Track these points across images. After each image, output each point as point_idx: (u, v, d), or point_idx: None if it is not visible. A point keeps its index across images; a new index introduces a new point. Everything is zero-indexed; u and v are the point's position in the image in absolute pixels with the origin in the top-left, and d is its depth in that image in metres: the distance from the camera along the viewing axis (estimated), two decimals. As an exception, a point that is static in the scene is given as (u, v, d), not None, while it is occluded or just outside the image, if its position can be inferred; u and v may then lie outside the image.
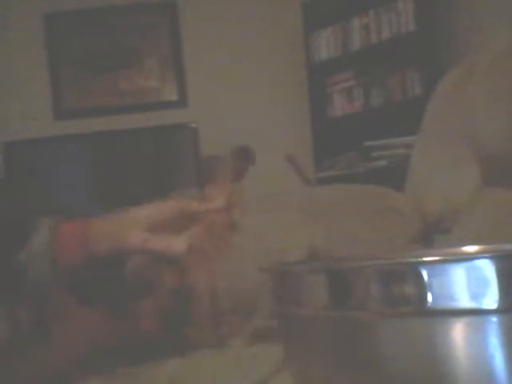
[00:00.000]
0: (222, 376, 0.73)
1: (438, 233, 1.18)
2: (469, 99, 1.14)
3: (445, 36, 3.07)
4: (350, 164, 3.23)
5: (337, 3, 3.34)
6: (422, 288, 0.40)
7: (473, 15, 2.92)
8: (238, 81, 3.60)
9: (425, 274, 0.40)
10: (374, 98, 3.31)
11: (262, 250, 1.18)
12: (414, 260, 0.43)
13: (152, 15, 3.66)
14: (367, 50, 3.26)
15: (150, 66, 3.67)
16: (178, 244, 0.74)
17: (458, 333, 0.40)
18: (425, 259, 0.42)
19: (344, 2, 3.32)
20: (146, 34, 3.66)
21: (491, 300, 0.39)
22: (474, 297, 0.39)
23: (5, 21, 3.58)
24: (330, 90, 3.46)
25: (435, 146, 1.24)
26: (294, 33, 3.53)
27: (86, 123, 3.52)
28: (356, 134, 3.22)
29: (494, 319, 0.39)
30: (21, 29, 3.60)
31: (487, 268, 0.39)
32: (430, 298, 0.40)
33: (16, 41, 3.59)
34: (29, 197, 3.21)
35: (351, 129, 3.29)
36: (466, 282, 0.40)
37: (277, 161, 3.34)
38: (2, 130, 3.46)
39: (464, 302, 0.40)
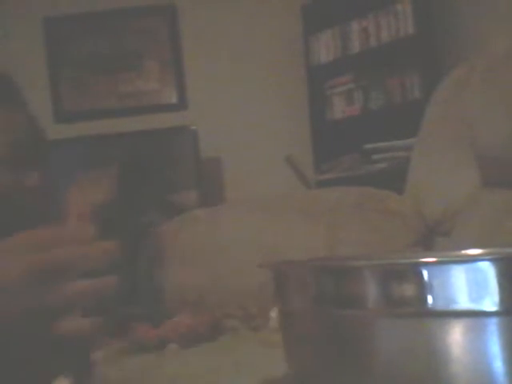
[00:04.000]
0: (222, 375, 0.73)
1: (439, 235, 1.19)
2: (468, 102, 1.15)
3: (444, 39, 3.07)
4: (349, 166, 3.23)
5: (336, 6, 3.34)
6: (422, 289, 0.40)
7: (472, 18, 2.92)
8: (238, 83, 3.60)
9: (425, 274, 0.40)
10: (373, 100, 3.31)
11: (262, 251, 1.18)
12: (414, 261, 0.43)
13: (152, 18, 3.67)
14: (366, 52, 3.26)
15: (149, 69, 3.67)
16: None
17: (458, 334, 0.40)
18: (425, 260, 0.42)
19: (343, 5, 3.32)
20: (146, 37, 3.66)
21: (491, 302, 0.39)
22: (474, 299, 0.40)
23: (5, 24, 3.58)
24: (330, 92, 3.46)
25: (435, 148, 1.24)
26: (293, 36, 3.53)
27: (85, 126, 3.52)
28: (356, 137, 3.22)
29: (494, 321, 0.39)
30: (21, 32, 3.60)
31: (487, 270, 0.39)
32: (430, 299, 0.40)
33: (16, 44, 3.59)
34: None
35: (351, 131, 3.29)
36: (466, 283, 0.40)
37: (277, 163, 3.35)
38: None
39: (464, 303, 0.40)
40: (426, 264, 0.41)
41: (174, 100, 3.67)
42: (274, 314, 0.89)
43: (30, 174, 0.98)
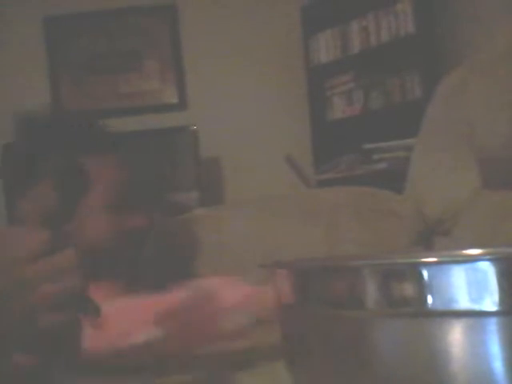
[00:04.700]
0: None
1: (439, 235, 1.18)
2: (468, 101, 1.14)
3: (444, 38, 3.07)
4: (349, 166, 3.23)
5: (336, 6, 3.34)
6: (422, 289, 0.40)
7: (472, 17, 2.92)
8: (238, 83, 3.60)
9: (425, 274, 0.40)
10: (373, 100, 3.31)
11: (262, 251, 1.18)
12: (414, 260, 0.43)
13: (152, 18, 3.67)
14: (367, 52, 3.26)
15: (149, 69, 3.67)
16: None
17: (458, 334, 0.40)
18: (425, 260, 0.42)
19: (343, 4, 3.32)
20: (146, 37, 3.67)
21: (491, 302, 0.39)
22: (474, 299, 0.39)
23: (4, 24, 3.58)
24: (330, 92, 3.46)
25: (435, 148, 1.24)
26: (293, 35, 3.53)
27: (85, 126, 3.52)
28: (356, 137, 3.22)
29: (494, 321, 0.39)
30: (20, 32, 3.60)
31: (487, 270, 0.39)
32: (429, 299, 0.40)
33: (16, 44, 3.59)
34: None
35: (351, 131, 3.29)
36: (466, 283, 0.40)
37: (276, 163, 3.34)
38: (1, 133, 3.46)
39: (464, 303, 0.40)
40: (426, 264, 0.41)
41: (174, 100, 3.67)
42: None
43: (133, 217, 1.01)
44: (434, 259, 0.43)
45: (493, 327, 0.39)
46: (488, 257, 0.41)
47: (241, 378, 0.75)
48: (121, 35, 3.65)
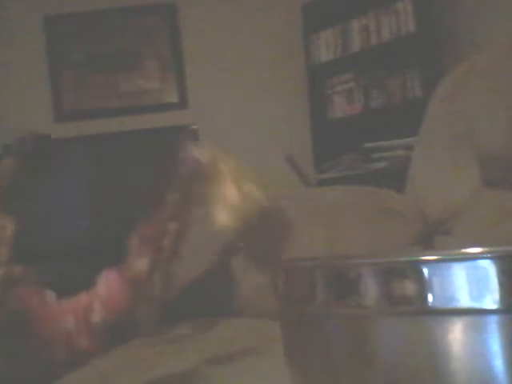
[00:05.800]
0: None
1: (439, 234, 1.19)
2: (469, 100, 1.15)
3: (445, 37, 3.07)
4: (350, 165, 3.23)
5: (336, 5, 3.34)
6: (422, 287, 0.40)
7: (473, 16, 2.92)
8: (238, 82, 3.60)
9: (426, 272, 0.40)
10: (374, 99, 3.31)
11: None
12: (415, 258, 0.43)
13: (152, 17, 3.67)
14: (367, 51, 3.26)
15: (150, 68, 3.67)
16: None
17: (458, 332, 0.40)
18: (426, 258, 0.42)
19: (343, 3, 3.32)
20: (147, 36, 3.66)
21: (491, 300, 0.39)
22: (475, 297, 0.40)
23: (5, 23, 3.58)
24: (330, 91, 3.46)
25: (435, 147, 1.24)
26: (293, 34, 3.53)
27: (86, 125, 3.52)
28: (356, 136, 3.22)
29: (494, 319, 0.39)
30: (21, 31, 3.60)
31: (488, 268, 0.39)
32: (430, 297, 0.40)
33: (16, 43, 3.59)
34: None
35: (351, 130, 3.29)
36: (467, 281, 0.40)
37: (277, 163, 3.34)
38: (2, 132, 3.46)
39: (464, 301, 0.40)
40: (427, 262, 0.41)
41: (174, 99, 3.67)
42: None
43: None
44: (435, 257, 0.43)
45: (493, 325, 0.39)
46: (488, 255, 0.41)
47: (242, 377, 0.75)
48: (121, 35, 3.64)
